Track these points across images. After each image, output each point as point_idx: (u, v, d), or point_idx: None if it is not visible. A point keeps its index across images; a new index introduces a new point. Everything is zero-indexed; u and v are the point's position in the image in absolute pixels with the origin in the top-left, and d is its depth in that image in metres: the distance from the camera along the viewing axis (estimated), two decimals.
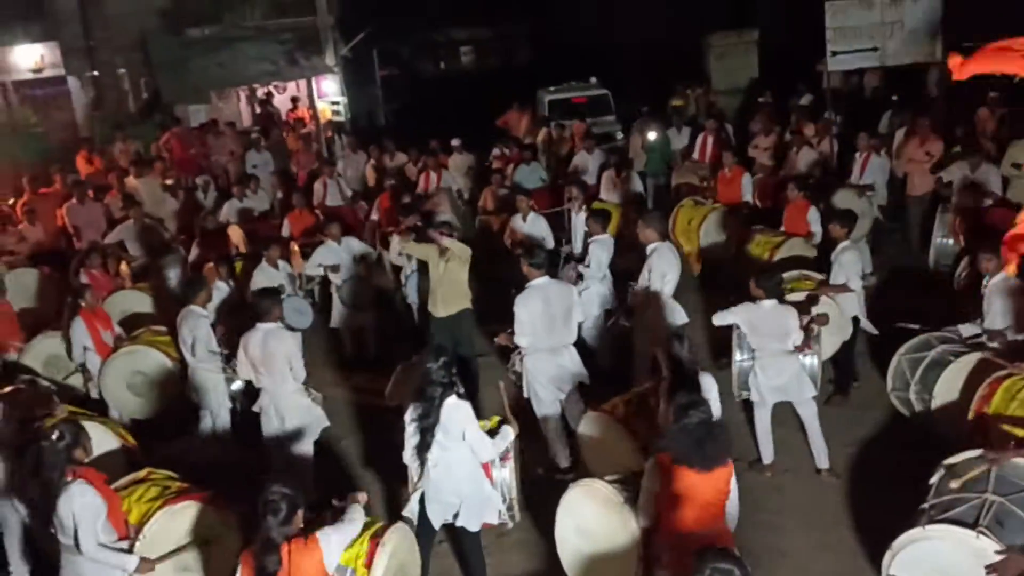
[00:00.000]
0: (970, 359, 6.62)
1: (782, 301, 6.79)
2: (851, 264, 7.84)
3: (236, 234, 11.54)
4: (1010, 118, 12.37)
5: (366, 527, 4.80)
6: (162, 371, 8.17)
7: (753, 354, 6.81)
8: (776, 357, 6.72)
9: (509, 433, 5.64)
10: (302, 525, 4.22)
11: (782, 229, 9.65)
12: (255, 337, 6.72)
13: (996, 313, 6.72)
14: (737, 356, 7.01)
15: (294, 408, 6.79)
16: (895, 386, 7.23)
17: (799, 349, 6.72)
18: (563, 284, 7.38)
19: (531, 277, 6.99)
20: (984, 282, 6.85)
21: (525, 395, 7.14)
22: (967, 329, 6.98)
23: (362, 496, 4.87)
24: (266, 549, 4.05)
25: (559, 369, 7.03)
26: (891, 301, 9.96)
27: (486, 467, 5.57)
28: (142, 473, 6.00)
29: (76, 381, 8.54)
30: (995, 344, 6.65)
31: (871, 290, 9.99)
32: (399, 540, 4.91)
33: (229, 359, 7.77)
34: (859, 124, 12.86)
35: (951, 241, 9.75)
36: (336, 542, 4.30)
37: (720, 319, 6.85)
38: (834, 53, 12.12)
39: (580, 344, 8.47)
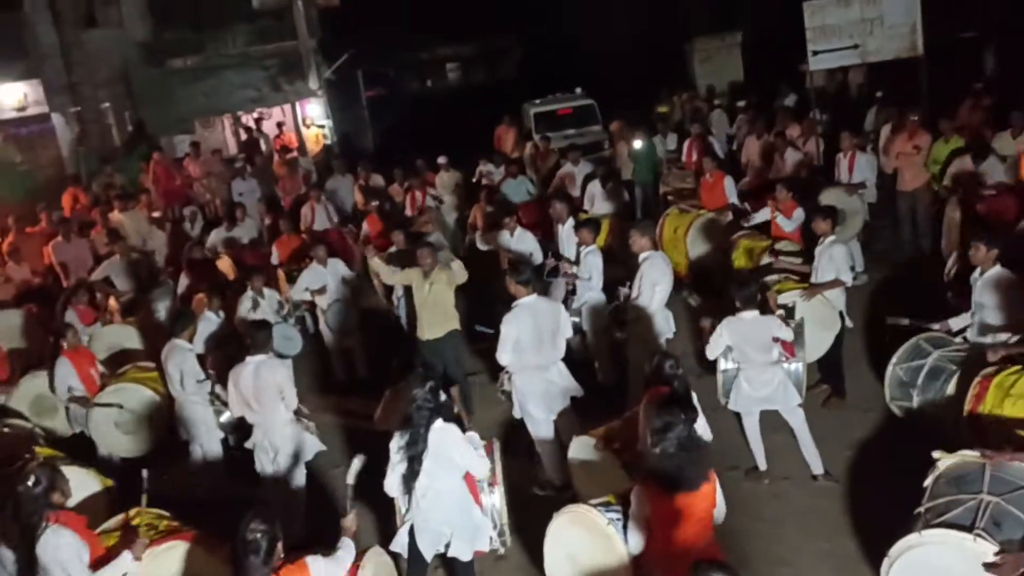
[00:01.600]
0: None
1: (764, 312, 6.72)
2: (842, 258, 7.81)
3: (225, 264, 11.50)
4: (994, 110, 12.31)
5: None
6: (150, 408, 8.09)
7: (738, 364, 6.75)
8: (760, 368, 6.66)
9: (476, 441, 5.57)
10: (283, 555, 4.16)
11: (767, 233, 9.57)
12: (246, 371, 6.67)
13: (988, 307, 6.59)
14: (722, 364, 6.97)
15: (287, 439, 6.74)
16: (894, 396, 7.09)
17: (787, 350, 6.64)
18: (551, 301, 7.30)
19: (518, 295, 6.90)
20: (975, 275, 6.71)
21: (516, 415, 7.06)
22: (957, 322, 6.85)
23: (350, 521, 4.86)
24: None
25: (548, 385, 6.93)
26: (885, 297, 9.94)
27: (475, 493, 5.50)
28: (132, 512, 5.92)
29: (60, 423, 8.49)
30: (986, 339, 6.53)
31: (864, 287, 9.99)
32: (377, 562, 4.96)
33: (217, 391, 7.72)
34: (845, 122, 12.83)
35: None
36: (325, 570, 4.26)
37: (713, 350, 6.75)
38: (815, 52, 12.11)
39: (583, 358, 8.48)
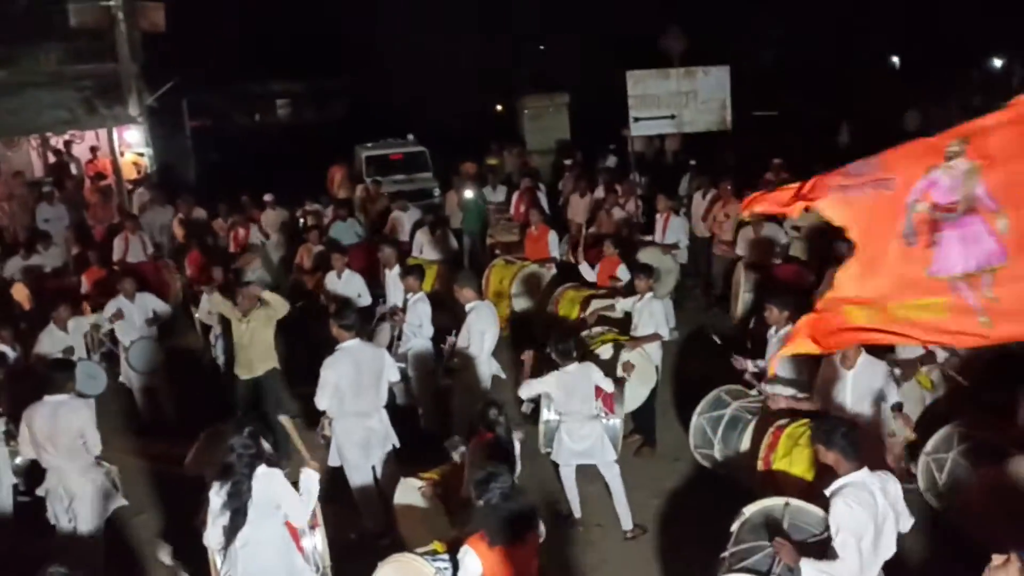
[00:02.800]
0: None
1: (583, 362, 6.96)
2: (660, 313, 8.25)
3: (20, 293, 10.72)
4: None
5: None
6: None
7: (560, 416, 6.94)
8: (581, 422, 6.85)
9: (312, 477, 5.35)
10: None
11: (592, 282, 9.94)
12: (42, 411, 6.24)
13: (780, 363, 7.10)
14: (544, 415, 7.15)
15: (85, 486, 6.34)
16: (697, 444, 7.47)
17: (607, 406, 6.90)
18: (374, 347, 7.28)
19: (341, 339, 6.82)
20: (770, 332, 7.25)
21: (333, 463, 6.91)
22: (759, 363, 7.30)
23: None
24: None
25: (369, 433, 6.86)
26: (694, 351, 10.50)
27: (296, 538, 5.34)
28: None
29: None
30: (775, 391, 6.97)
31: (674, 342, 10.51)
32: None
33: (12, 430, 7.13)
34: (661, 186, 13.60)
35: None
36: None
37: (527, 391, 6.92)
38: (636, 119, 12.80)
39: (408, 403, 8.46)
